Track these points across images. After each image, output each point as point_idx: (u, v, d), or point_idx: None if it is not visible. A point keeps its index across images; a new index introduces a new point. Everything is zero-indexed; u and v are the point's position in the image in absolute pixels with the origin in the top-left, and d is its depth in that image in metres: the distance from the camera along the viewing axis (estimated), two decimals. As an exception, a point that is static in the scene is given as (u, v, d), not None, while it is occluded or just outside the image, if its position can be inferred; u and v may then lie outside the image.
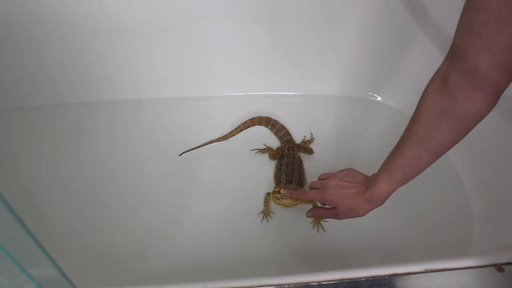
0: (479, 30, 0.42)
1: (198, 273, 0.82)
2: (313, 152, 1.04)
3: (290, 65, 1.14)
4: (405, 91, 1.10)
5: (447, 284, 0.49)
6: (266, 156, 1.04)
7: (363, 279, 0.50)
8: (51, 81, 1.11)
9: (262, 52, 1.11)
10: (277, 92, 1.17)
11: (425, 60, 1.00)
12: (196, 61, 1.11)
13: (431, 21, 0.98)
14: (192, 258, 0.85)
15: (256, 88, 1.16)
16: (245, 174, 1.00)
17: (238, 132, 1.07)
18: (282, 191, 0.81)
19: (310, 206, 0.88)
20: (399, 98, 1.12)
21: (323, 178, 0.75)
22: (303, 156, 1.03)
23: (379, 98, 1.15)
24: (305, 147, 1.04)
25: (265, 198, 0.92)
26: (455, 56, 0.47)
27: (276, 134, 1.08)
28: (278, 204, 0.88)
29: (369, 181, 0.66)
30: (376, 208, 0.65)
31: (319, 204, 0.85)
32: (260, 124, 1.09)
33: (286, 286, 0.49)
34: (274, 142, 1.07)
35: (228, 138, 1.06)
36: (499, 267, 0.50)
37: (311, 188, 0.76)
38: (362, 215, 0.67)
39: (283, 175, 0.94)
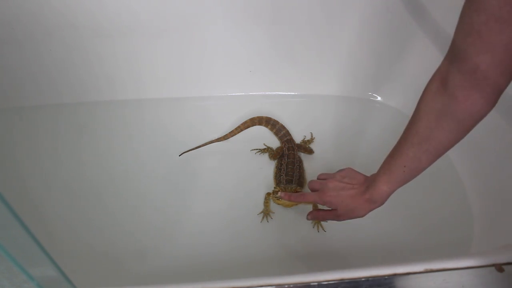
0: (479, 29, 0.42)
1: (198, 273, 0.82)
2: (313, 152, 1.04)
3: (290, 65, 1.14)
4: (405, 91, 1.10)
5: (447, 284, 0.49)
6: (266, 156, 1.04)
7: (363, 279, 0.50)
8: (51, 81, 1.11)
9: (262, 52, 1.11)
10: (277, 92, 1.17)
11: (425, 60, 1.00)
12: (196, 61, 1.11)
13: (431, 21, 0.98)
14: (192, 258, 0.85)
15: (256, 88, 1.16)
16: (245, 174, 1.00)
17: (238, 132, 1.07)
18: (280, 194, 0.80)
19: (310, 206, 0.88)
20: (399, 98, 1.12)
21: (323, 178, 0.74)
22: (303, 156, 1.03)
23: (379, 98, 1.15)
24: (305, 147, 1.04)
25: (265, 198, 0.92)
26: (455, 56, 0.47)
27: (276, 134, 1.08)
28: (278, 204, 0.88)
29: (368, 182, 0.65)
30: (376, 208, 0.65)
31: (319, 205, 0.85)
32: (260, 124, 1.09)
33: (286, 286, 0.49)
34: (274, 142, 1.07)
35: (228, 138, 1.06)
36: (499, 267, 0.50)
37: (310, 187, 0.76)
38: (362, 216, 0.67)
39: (283, 175, 0.94)
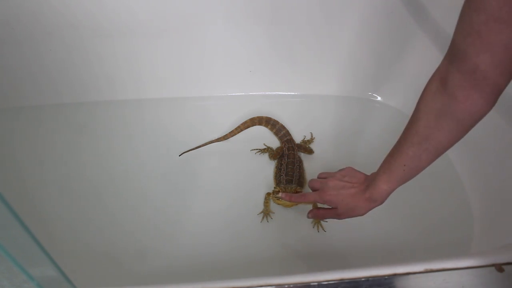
0: (479, 29, 0.42)
1: (198, 273, 0.82)
2: (313, 152, 1.04)
3: (290, 65, 1.14)
4: (405, 91, 1.10)
5: (447, 284, 0.49)
6: (266, 156, 1.04)
7: (363, 279, 0.50)
8: (51, 81, 1.11)
9: (262, 52, 1.11)
10: (277, 92, 1.17)
11: (425, 60, 1.00)
12: (196, 61, 1.11)
13: (431, 21, 0.98)
14: (192, 258, 0.85)
15: (256, 88, 1.16)
16: (245, 174, 1.00)
17: (238, 132, 1.07)
18: (281, 195, 0.80)
19: (310, 205, 0.88)
20: (399, 98, 1.12)
21: (323, 177, 0.75)
22: (303, 156, 1.03)
23: (379, 98, 1.15)
24: (305, 147, 1.04)
25: (265, 198, 0.92)
26: (454, 56, 0.47)
27: (276, 134, 1.08)
28: (278, 204, 0.88)
29: (368, 181, 0.66)
30: (376, 208, 0.65)
31: (319, 205, 0.85)
32: (260, 124, 1.09)
33: (286, 286, 0.49)
34: (274, 142, 1.07)
35: (228, 138, 1.06)
36: (499, 267, 0.50)
37: (311, 186, 0.76)
38: (362, 215, 0.67)
39: (283, 175, 0.94)
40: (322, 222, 0.90)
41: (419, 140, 0.55)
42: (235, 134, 1.07)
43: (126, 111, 1.13)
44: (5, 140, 1.07)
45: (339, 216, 0.69)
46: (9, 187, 0.97)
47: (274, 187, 0.87)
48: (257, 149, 1.05)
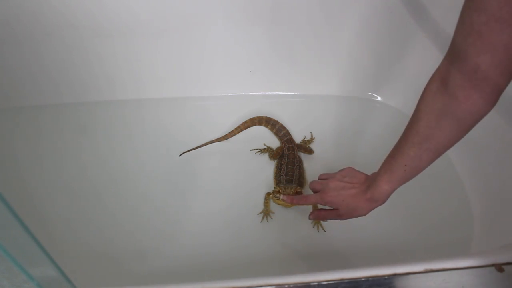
0: (480, 30, 0.42)
1: (198, 273, 0.82)
2: (313, 152, 1.04)
3: (290, 65, 1.14)
4: (405, 91, 1.10)
5: (447, 284, 0.49)
6: (266, 156, 1.04)
7: (363, 279, 0.50)
8: (51, 81, 1.11)
9: (262, 52, 1.11)
10: (277, 92, 1.17)
11: (425, 60, 1.00)
12: (196, 61, 1.11)
13: (431, 21, 0.98)
14: (192, 258, 0.85)
15: (256, 88, 1.16)
16: (245, 174, 1.00)
17: (238, 132, 1.07)
18: (282, 197, 0.80)
19: (310, 206, 0.88)
20: (399, 98, 1.12)
21: (323, 178, 0.74)
22: (303, 156, 1.03)
23: (379, 98, 1.15)
24: (305, 147, 1.04)
25: (265, 198, 0.92)
26: (455, 56, 0.47)
27: (276, 134, 1.08)
28: (278, 204, 0.88)
29: (369, 181, 0.65)
30: (376, 208, 0.65)
31: (320, 206, 0.85)
32: (260, 124, 1.09)
33: (286, 286, 0.49)
34: (274, 142, 1.07)
35: (228, 138, 1.06)
36: (499, 267, 0.50)
37: (312, 188, 0.76)
38: (364, 215, 0.67)
39: (283, 175, 0.94)
40: (322, 222, 0.90)
41: (420, 140, 0.55)
42: (235, 134, 1.07)
43: (126, 111, 1.13)
44: (5, 140, 1.07)
45: (340, 217, 0.69)
46: (9, 187, 0.97)
47: (274, 187, 0.87)
48: (257, 149, 1.05)
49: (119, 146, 1.06)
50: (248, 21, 1.05)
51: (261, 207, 0.92)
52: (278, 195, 0.83)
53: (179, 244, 0.87)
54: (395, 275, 0.50)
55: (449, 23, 0.86)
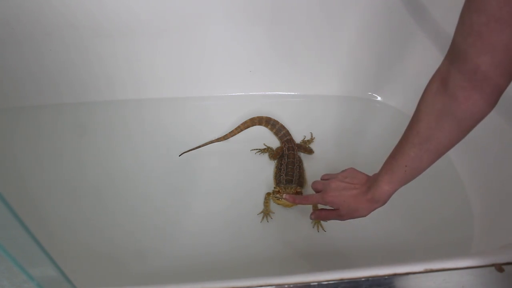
0: (480, 30, 0.42)
1: (198, 273, 0.82)
2: (313, 152, 1.04)
3: (290, 65, 1.14)
4: (405, 91, 1.10)
5: (447, 284, 0.49)
6: (266, 156, 1.04)
7: (363, 279, 0.50)
8: (51, 81, 1.11)
9: (262, 52, 1.11)
10: (277, 92, 1.17)
11: (425, 60, 1.00)
12: (196, 61, 1.11)
13: (431, 21, 0.98)
14: (192, 258, 0.85)
15: (256, 88, 1.16)
16: (245, 174, 1.00)
17: (238, 132, 1.07)
18: (284, 196, 0.80)
19: (310, 206, 0.88)
20: (399, 98, 1.12)
21: (326, 178, 0.75)
22: (303, 156, 1.03)
23: (379, 98, 1.15)
24: (305, 147, 1.04)
25: (265, 198, 0.92)
26: (455, 56, 0.47)
27: (276, 134, 1.08)
28: (278, 204, 0.88)
29: (370, 182, 0.65)
30: (376, 208, 0.65)
31: (321, 206, 0.85)
32: (260, 124, 1.09)
33: (286, 286, 0.49)
34: (274, 142, 1.07)
35: (228, 138, 1.06)
36: (499, 267, 0.50)
37: (313, 188, 0.76)
38: (365, 216, 0.67)
39: (283, 175, 0.94)
40: (322, 222, 0.90)
41: (420, 141, 0.55)
42: (235, 134, 1.07)
43: (126, 111, 1.13)
44: (6, 140, 1.08)
45: (341, 217, 0.69)
46: (9, 187, 0.97)
47: (274, 187, 0.87)
48: (257, 149, 1.05)
49: (119, 146, 1.06)
50: (248, 21, 1.05)
51: (261, 207, 0.92)
52: (278, 195, 0.83)
53: (179, 244, 0.87)
54: (395, 275, 0.50)
55: (449, 23, 0.86)
